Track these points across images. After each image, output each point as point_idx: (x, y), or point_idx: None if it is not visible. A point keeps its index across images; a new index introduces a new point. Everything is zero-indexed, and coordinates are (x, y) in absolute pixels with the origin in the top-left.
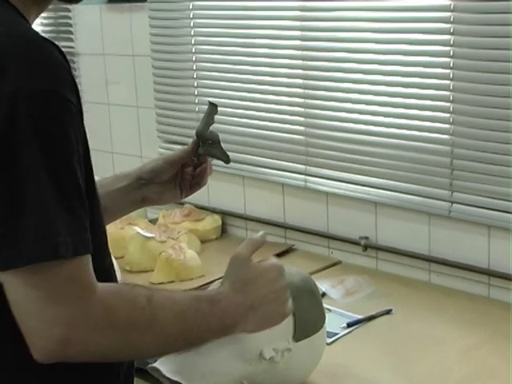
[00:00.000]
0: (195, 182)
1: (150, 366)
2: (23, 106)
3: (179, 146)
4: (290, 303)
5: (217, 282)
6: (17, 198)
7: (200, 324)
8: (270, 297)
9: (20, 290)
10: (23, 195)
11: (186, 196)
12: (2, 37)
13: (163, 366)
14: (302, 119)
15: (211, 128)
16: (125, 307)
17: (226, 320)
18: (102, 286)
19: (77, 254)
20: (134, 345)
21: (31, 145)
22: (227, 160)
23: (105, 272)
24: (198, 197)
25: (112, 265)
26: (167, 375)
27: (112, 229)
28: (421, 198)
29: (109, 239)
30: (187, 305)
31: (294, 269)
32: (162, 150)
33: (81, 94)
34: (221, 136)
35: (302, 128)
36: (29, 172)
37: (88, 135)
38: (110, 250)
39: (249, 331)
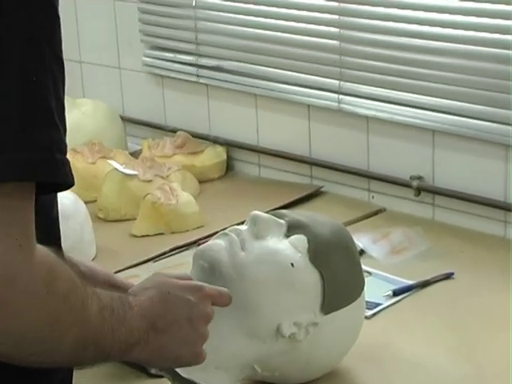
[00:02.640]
0: None
1: None
2: None
3: (169, 55)
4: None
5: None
6: None
7: (115, 329)
8: (183, 325)
9: None
10: None
11: None
12: None
13: None
14: (335, 17)
15: None
16: (66, 279)
17: (133, 332)
18: (40, 246)
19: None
20: (57, 335)
21: None
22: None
23: (51, 223)
24: (195, 122)
25: (58, 216)
26: None
27: (80, 163)
28: (495, 125)
29: (76, 178)
30: (107, 300)
31: (322, 217)
32: (148, 60)
33: None
34: (226, 40)
35: (335, 30)
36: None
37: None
38: (73, 193)
39: (142, 360)
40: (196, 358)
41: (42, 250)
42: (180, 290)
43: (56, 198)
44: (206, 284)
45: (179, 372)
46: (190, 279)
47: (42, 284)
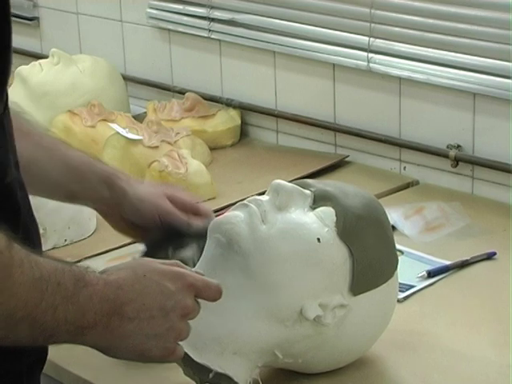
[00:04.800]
0: None
1: None
2: None
3: (178, 6)
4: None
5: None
6: None
7: (58, 305)
8: (155, 315)
9: None
10: None
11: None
12: None
13: None
14: None
15: None
16: None
17: (86, 314)
18: None
19: None
20: None
21: None
22: None
23: (5, 191)
24: (206, 82)
25: (17, 180)
26: None
27: (78, 126)
28: None
29: (73, 142)
30: (50, 272)
31: (352, 187)
32: (153, 12)
33: None
34: None
35: None
36: None
37: None
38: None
39: (99, 347)
40: (167, 355)
41: None
42: (158, 275)
43: (9, 166)
44: (192, 273)
45: (191, 356)
46: (180, 267)
47: None
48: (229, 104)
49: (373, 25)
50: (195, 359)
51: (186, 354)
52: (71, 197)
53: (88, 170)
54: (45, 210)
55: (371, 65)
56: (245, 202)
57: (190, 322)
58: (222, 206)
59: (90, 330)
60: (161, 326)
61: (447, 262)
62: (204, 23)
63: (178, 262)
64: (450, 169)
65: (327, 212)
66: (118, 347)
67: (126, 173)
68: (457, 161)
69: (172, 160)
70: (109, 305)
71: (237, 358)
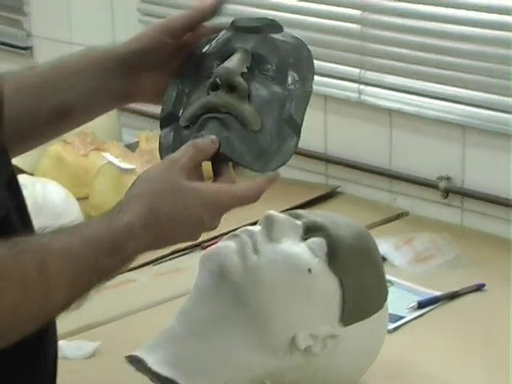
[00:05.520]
0: None
1: (129, 355)
2: None
3: None
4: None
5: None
6: None
7: (100, 277)
8: (185, 236)
9: None
10: None
11: None
12: None
13: (149, 354)
14: None
15: None
16: (11, 288)
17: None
18: None
19: None
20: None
21: None
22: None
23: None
24: None
25: (8, 202)
26: (154, 368)
27: (70, 156)
28: None
29: (65, 172)
30: (86, 259)
31: (343, 218)
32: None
33: None
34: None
35: (356, 12)
36: None
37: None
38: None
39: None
40: (192, 239)
41: None
42: (199, 208)
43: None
44: (231, 198)
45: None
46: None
47: None
48: None
49: (363, 57)
50: None
51: (177, 382)
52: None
53: (94, 59)
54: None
55: (362, 96)
56: (237, 232)
57: (182, 351)
58: (214, 235)
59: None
60: (187, 237)
61: (437, 293)
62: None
63: (220, 187)
64: (440, 200)
65: (318, 243)
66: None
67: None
68: (447, 192)
69: None
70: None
71: None
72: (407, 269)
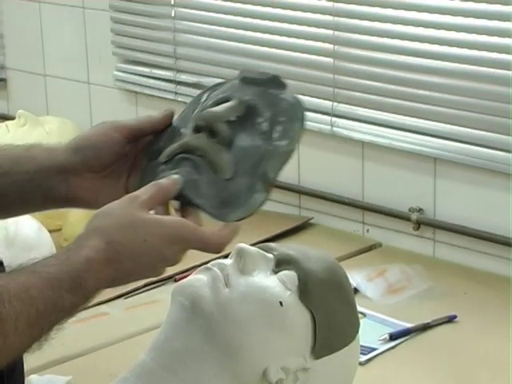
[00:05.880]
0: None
1: None
2: None
3: (145, 69)
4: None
5: None
6: None
7: (60, 315)
8: (146, 270)
9: None
10: None
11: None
12: None
13: None
14: (329, 32)
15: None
16: None
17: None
18: None
19: None
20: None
21: None
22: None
23: None
24: None
25: None
26: None
27: None
28: (501, 153)
29: None
30: (45, 299)
31: (314, 251)
32: (120, 74)
33: None
34: (207, 55)
35: (329, 45)
36: None
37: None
38: (37, 221)
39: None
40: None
41: None
42: (159, 241)
43: None
44: (194, 235)
45: None
46: (183, 226)
47: None
48: None
49: (336, 90)
50: None
51: None
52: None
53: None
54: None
55: (334, 129)
56: (208, 265)
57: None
58: (187, 267)
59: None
60: (148, 272)
61: (409, 325)
62: (171, 86)
63: (182, 220)
64: (412, 232)
65: (289, 276)
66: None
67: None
68: (418, 224)
69: None
70: (109, 279)
71: None
72: (379, 300)
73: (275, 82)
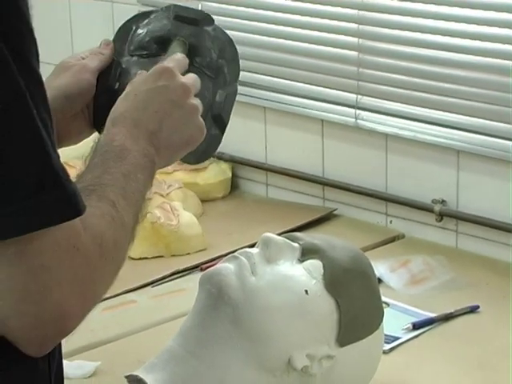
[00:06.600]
0: None
1: (129, 374)
2: None
3: None
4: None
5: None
6: None
7: (144, 187)
8: (170, 111)
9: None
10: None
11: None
12: None
13: (148, 374)
14: (354, 26)
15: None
16: (108, 231)
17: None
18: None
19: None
20: (119, 263)
21: None
22: None
23: None
24: None
25: None
26: None
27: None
28: None
29: None
30: (133, 181)
31: (339, 241)
32: None
33: None
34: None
35: (353, 39)
36: None
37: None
38: None
39: (165, 164)
40: (201, 130)
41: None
42: (144, 84)
43: None
44: (164, 61)
45: None
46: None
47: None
48: (220, 157)
49: (360, 83)
50: None
51: None
52: None
53: None
54: None
55: (359, 121)
56: (235, 254)
57: (180, 371)
58: (213, 257)
59: (153, 167)
60: (181, 115)
61: (432, 315)
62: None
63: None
64: (435, 223)
65: (315, 265)
66: (173, 155)
67: None
68: (441, 215)
69: (164, 212)
70: (142, 141)
71: None
72: (403, 291)
73: (206, 19)
